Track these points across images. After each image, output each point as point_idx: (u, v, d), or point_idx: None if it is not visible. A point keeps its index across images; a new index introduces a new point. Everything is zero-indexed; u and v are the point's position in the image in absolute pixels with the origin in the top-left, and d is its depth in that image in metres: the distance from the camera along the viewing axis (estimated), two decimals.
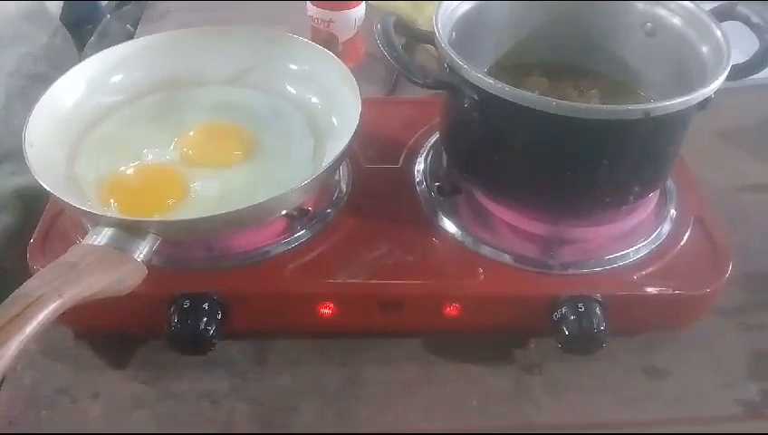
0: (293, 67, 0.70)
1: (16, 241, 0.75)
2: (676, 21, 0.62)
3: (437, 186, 0.65)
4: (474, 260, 0.61)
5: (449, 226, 0.63)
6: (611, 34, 0.67)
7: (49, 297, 0.45)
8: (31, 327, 0.43)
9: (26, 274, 0.56)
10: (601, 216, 0.61)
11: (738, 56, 0.57)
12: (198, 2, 1.05)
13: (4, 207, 0.77)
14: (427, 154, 0.70)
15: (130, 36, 1.01)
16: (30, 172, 0.55)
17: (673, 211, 0.64)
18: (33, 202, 0.76)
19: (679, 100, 0.52)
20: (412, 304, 0.59)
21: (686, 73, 0.60)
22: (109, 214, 0.55)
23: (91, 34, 1.08)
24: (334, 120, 0.66)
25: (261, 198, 0.54)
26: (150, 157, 0.63)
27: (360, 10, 0.88)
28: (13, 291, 0.46)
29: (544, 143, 0.57)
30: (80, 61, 0.68)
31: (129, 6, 1.09)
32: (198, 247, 0.60)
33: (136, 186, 0.62)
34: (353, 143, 0.59)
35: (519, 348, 0.62)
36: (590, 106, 0.55)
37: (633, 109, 0.52)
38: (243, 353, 0.61)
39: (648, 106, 0.52)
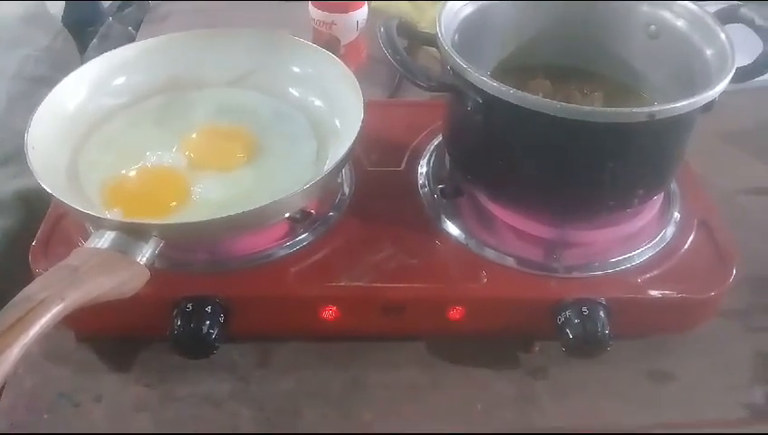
0: (296, 70, 0.70)
1: (17, 244, 0.74)
2: (680, 23, 0.62)
3: (440, 188, 0.65)
4: (477, 263, 0.60)
5: (452, 229, 0.63)
6: (615, 37, 0.67)
7: (52, 301, 0.45)
8: (34, 331, 0.43)
9: (28, 277, 0.56)
10: (606, 219, 0.61)
11: (742, 59, 0.57)
12: (199, 4, 1.05)
13: (5, 210, 0.77)
14: (430, 157, 0.70)
15: (132, 39, 1.01)
16: (31, 175, 0.55)
17: (677, 214, 0.64)
18: (35, 205, 0.76)
19: (684, 102, 0.52)
20: (415, 308, 0.59)
21: (690, 76, 0.60)
22: (111, 217, 0.55)
23: (93, 37, 1.07)
24: (337, 122, 0.66)
25: (263, 201, 0.54)
26: (153, 159, 0.63)
27: (361, 12, 0.89)
28: (14, 294, 0.45)
29: (548, 146, 0.57)
30: (81, 63, 0.68)
31: (130, 9, 1.09)
32: (201, 250, 0.60)
33: (138, 189, 0.61)
34: (356, 146, 0.59)
35: (523, 352, 0.62)
36: (594, 109, 0.55)
37: (638, 111, 0.52)
38: (245, 357, 0.61)
39: (653, 108, 0.52)
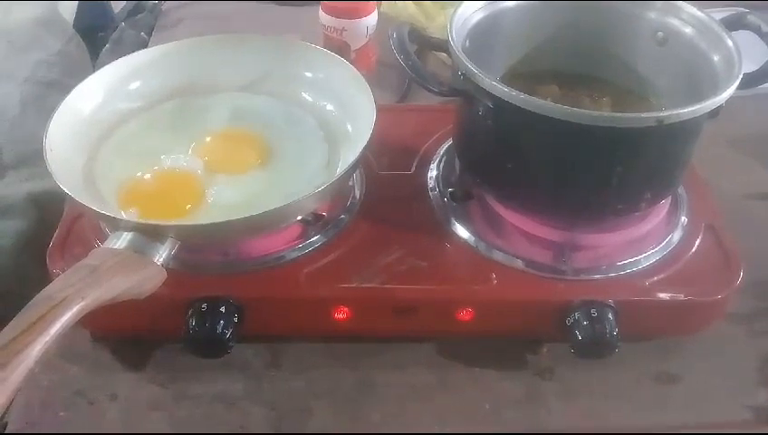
0: (309, 75, 0.71)
1: (30, 246, 0.76)
2: (688, 30, 0.63)
3: (450, 192, 0.66)
4: (486, 265, 0.61)
5: (462, 231, 0.63)
6: (623, 43, 0.67)
7: (72, 299, 0.45)
8: (55, 329, 0.43)
9: (41, 278, 0.57)
10: (613, 222, 0.62)
11: (749, 65, 0.57)
12: (211, 10, 1.06)
13: (18, 212, 0.78)
14: (440, 160, 0.70)
15: (144, 44, 1.02)
16: (44, 177, 0.56)
17: (684, 218, 0.65)
18: (47, 207, 0.77)
19: (691, 108, 0.53)
20: (425, 309, 0.60)
21: (697, 82, 0.61)
22: (129, 218, 0.56)
23: (104, 42, 1.08)
24: (349, 127, 0.67)
25: (276, 203, 0.55)
26: (168, 163, 0.64)
27: (372, 18, 0.89)
28: (27, 294, 0.46)
29: (557, 150, 0.57)
30: (93, 68, 0.69)
31: (142, 14, 1.10)
32: (215, 252, 0.61)
33: (153, 191, 0.62)
34: (367, 150, 0.59)
35: (531, 353, 0.63)
36: (602, 114, 0.56)
37: (646, 116, 0.53)
38: (257, 357, 0.62)
39: (661, 114, 0.53)
